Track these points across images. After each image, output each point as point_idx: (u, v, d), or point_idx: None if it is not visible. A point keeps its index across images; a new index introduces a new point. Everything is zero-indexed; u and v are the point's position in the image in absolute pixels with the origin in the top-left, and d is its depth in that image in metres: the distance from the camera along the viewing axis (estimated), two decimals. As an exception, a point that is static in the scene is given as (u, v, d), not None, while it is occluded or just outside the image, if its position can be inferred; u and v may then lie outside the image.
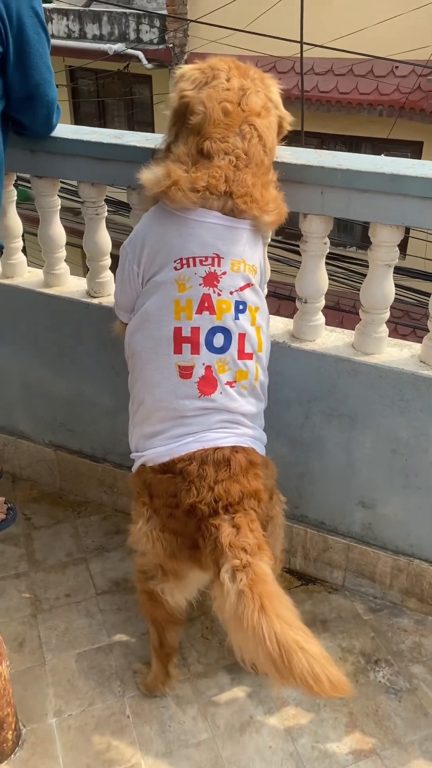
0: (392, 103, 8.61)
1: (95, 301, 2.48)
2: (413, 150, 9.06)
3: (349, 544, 2.40)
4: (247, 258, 1.74)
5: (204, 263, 1.71)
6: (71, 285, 2.59)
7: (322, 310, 2.21)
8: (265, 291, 2.18)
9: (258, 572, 1.61)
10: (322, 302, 2.18)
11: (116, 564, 2.58)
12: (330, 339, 2.21)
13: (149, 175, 1.72)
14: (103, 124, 11.47)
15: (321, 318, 2.20)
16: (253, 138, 1.69)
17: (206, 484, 1.68)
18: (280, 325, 2.29)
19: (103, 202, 2.38)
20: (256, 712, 2.07)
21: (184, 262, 1.71)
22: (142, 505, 1.81)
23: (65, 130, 2.23)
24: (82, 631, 2.32)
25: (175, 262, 1.72)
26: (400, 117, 8.62)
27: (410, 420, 2.11)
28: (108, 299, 2.45)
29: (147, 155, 2.00)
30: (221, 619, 1.65)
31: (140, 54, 9.63)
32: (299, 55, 6.47)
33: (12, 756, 1.94)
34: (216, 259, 1.71)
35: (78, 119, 11.79)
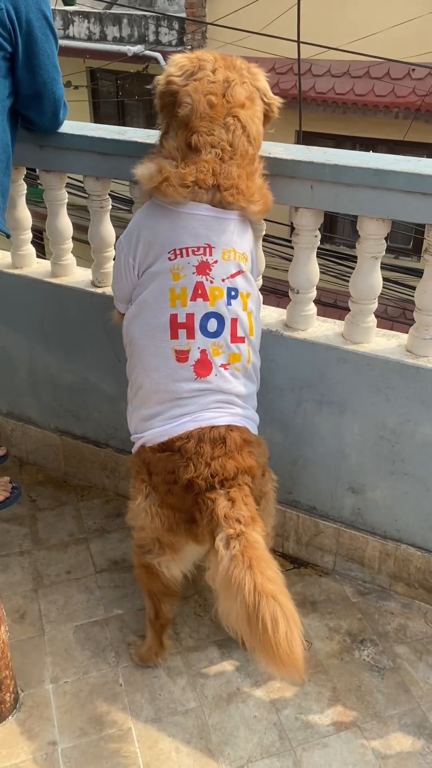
0: (408, 105, 8.65)
1: (99, 290, 2.58)
2: (430, 152, 9.08)
3: (339, 529, 2.48)
4: (237, 246, 1.84)
5: (196, 253, 1.81)
6: (77, 275, 2.70)
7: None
8: (260, 281, 2.28)
9: (250, 540, 1.71)
10: (314, 293, 2.26)
11: (116, 544, 2.68)
12: (321, 329, 2.29)
13: (143, 170, 1.83)
14: (123, 124, 11.62)
15: (312, 308, 2.28)
16: (237, 129, 1.78)
17: (203, 460, 1.79)
18: (274, 314, 2.38)
19: (108, 196, 2.49)
20: (243, 684, 2.16)
21: (178, 252, 1.81)
22: (141, 482, 1.91)
23: (72, 126, 2.34)
24: (80, 606, 2.43)
25: (168, 253, 1.82)
26: (416, 119, 8.66)
27: (396, 407, 2.19)
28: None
29: (148, 150, 2.11)
30: (213, 588, 1.75)
31: (159, 55, 9.75)
32: (303, 56, 6.54)
33: (9, 717, 2.05)
34: (207, 249, 1.81)
35: (98, 119, 11.96)
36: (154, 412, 1.86)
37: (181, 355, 1.81)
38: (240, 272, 1.85)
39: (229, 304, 1.82)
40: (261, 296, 2.32)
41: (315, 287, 2.26)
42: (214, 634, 2.31)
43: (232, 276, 1.84)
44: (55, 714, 2.07)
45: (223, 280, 1.82)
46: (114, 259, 2.12)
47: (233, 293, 1.83)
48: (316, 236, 2.16)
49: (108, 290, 2.58)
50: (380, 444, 2.28)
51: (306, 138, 9.10)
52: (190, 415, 1.81)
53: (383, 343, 2.21)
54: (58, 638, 2.31)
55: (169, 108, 1.84)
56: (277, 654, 1.56)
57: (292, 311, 2.28)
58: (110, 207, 2.52)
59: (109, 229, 2.53)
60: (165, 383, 1.83)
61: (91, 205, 2.48)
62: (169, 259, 1.81)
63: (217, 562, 1.68)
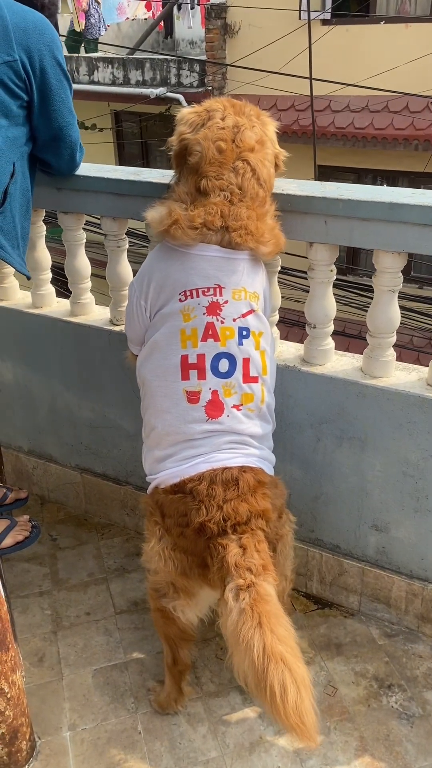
0: (428, 137, 8.69)
1: (117, 328, 2.59)
2: (451, 183, 9.10)
3: (363, 568, 2.41)
4: (248, 286, 1.83)
5: (206, 294, 1.80)
6: (96, 314, 2.72)
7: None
8: (276, 317, 2.27)
9: (261, 592, 1.65)
10: (331, 327, 2.24)
11: (136, 585, 2.64)
12: (339, 363, 2.26)
13: (154, 214, 1.85)
14: (146, 164, 11.87)
15: (330, 343, 2.26)
16: (246, 173, 1.79)
17: (215, 503, 1.75)
18: (292, 350, 2.36)
19: (125, 236, 2.51)
20: (266, 732, 2.09)
21: (188, 293, 1.81)
22: (154, 524, 1.87)
23: (88, 168, 2.38)
24: (99, 648, 2.38)
25: (179, 294, 1.82)
26: (436, 151, 8.69)
27: (419, 442, 2.14)
28: (129, 327, 2.57)
29: (163, 190, 2.13)
30: (224, 636, 1.70)
31: (180, 97, 9.98)
32: (322, 92, 6.63)
33: (26, 766, 2.00)
34: (218, 290, 1.80)
35: (122, 160, 12.24)
36: (166, 454, 1.84)
37: (193, 396, 1.79)
38: (251, 311, 1.84)
39: (240, 343, 1.81)
40: (278, 333, 2.31)
41: (332, 321, 2.23)
42: (235, 678, 2.24)
43: (243, 315, 1.82)
44: (73, 763, 2.02)
45: (234, 320, 1.81)
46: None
47: (245, 333, 1.82)
48: (331, 270, 2.14)
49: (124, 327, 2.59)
50: (403, 480, 2.22)
51: (327, 172, 9.19)
52: (202, 456, 1.78)
53: (403, 377, 2.17)
54: (76, 683, 2.27)
55: (182, 158, 1.87)
56: (287, 723, 1.49)
57: (310, 346, 2.26)
58: (127, 246, 2.54)
59: (126, 268, 2.55)
60: (177, 425, 1.81)
61: (108, 245, 2.50)
62: (180, 300, 1.81)
63: (226, 613, 1.63)
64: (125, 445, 2.78)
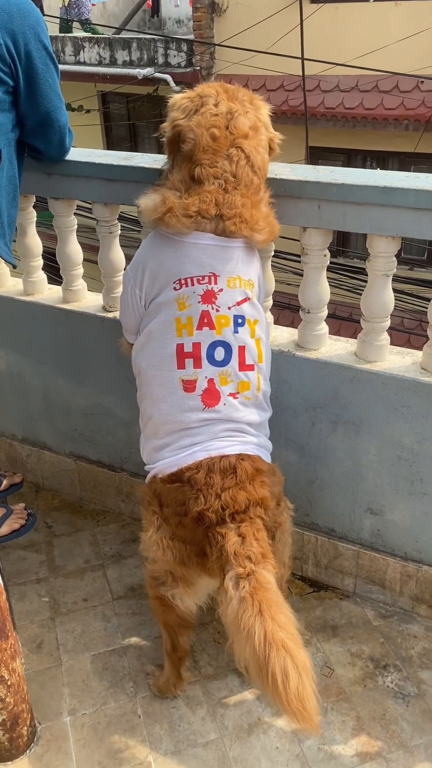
0: (418, 117, 8.65)
1: (110, 315, 2.58)
2: (442, 163, 9.07)
3: (359, 551, 2.44)
4: (242, 274, 1.82)
5: (201, 282, 1.79)
6: (88, 300, 2.70)
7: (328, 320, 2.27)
8: (270, 302, 2.26)
9: (260, 580, 1.66)
10: (325, 312, 2.24)
11: (132, 570, 2.66)
12: (334, 348, 2.26)
13: (147, 202, 1.83)
14: (134, 147, 11.75)
15: (324, 327, 2.26)
16: (240, 160, 1.78)
17: (213, 491, 1.75)
18: (286, 335, 2.36)
19: (116, 221, 2.49)
20: (264, 714, 2.11)
21: (183, 282, 1.80)
22: (152, 513, 1.87)
23: (78, 153, 2.35)
24: (97, 634, 2.40)
25: (174, 283, 1.81)
26: (426, 130, 8.64)
27: (413, 426, 2.15)
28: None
29: (155, 175, 2.11)
30: (225, 624, 1.71)
31: (168, 77, 9.87)
32: (311, 72, 6.57)
33: (27, 752, 2.02)
34: (212, 278, 1.79)
35: (110, 142, 12.11)
36: (164, 443, 1.84)
37: (189, 385, 1.79)
38: (246, 299, 1.83)
39: (236, 331, 1.80)
40: (272, 318, 2.30)
41: (326, 306, 2.23)
42: (233, 661, 2.25)
43: (239, 303, 1.82)
44: (73, 748, 2.04)
45: (229, 308, 1.80)
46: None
47: (240, 321, 1.81)
48: (325, 255, 2.13)
49: (118, 315, 2.57)
50: (398, 464, 2.24)
51: (317, 153, 9.13)
52: (200, 445, 1.78)
53: (397, 361, 2.17)
54: (75, 668, 2.28)
55: (175, 145, 1.85)
56: (289, 709, 1.50)
57: (304, 331, 2.25)
58: (119, 232, 2.52)
59: (118, 254, 2.53)
60: (173, 414, 1.81)
61: (100, 231, 2.48)
62: (175, 288, 1.80)
63: (227, 602, 1.64)
64: (120, 432, 2.78)
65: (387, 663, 2.27)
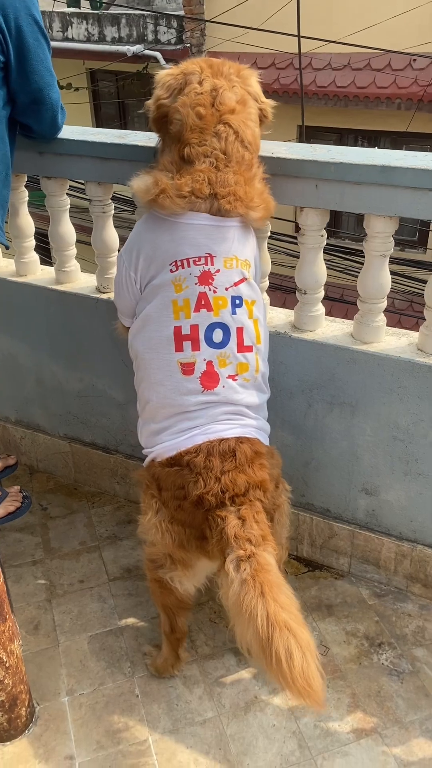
0: (410, 95, 8.57)
1: (104, 296, 2.56)
2: (433, 143, 9.01)
3: (354, 531, 2.45)
4: (239, 254, 1.81)
5: (198, 263, 1.78)
6: (81, 281, 2.68)
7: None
8: (266, 283, 2.25)
9: (261, 562, 1.66)
10: (321, 293, 2.23)
11: (128, 552, 2.66)
12: (330, 329, 2.26)
13: (140, 183, 1.80)
14: (124, 125, 11.60)
15: (321, 308, 2.25)
16: (229, 136, 1.75)
17: (213, 475, 1.74)
18: (282, 316, 2.35)
19: (110, 201, 2.46)
20: (261, 692, 2.13)
21: (179, 264, 1.78)
22: (151, 497, 1.87)
23: (71, 131, 2.32)
24: (94, 615, 2.41)
25: (170, 265, 1.79)
26: (419, 110, 8.57)
27: (409, 407, 2.15)
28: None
29: (149, 154, 2.08)
30: (225, 607, 1.72)
31: (158, 54, 9.72)
32: (302, 49, 6.48)
33: (26, 732, 2.03)
34: (209, 258, 1.78)
35: (99, 121, 11.94)
36: (162, 427, 1.83)
37: (187, 368, 1.78)
38: (243, 280, 1.82)
39: (233, 313, 1.79)
40: (267, 299, 2.29)
41: (323, 287, 2.22)
42: (230, 640, 2.28)
43: (236, 284, 1.80)
44: (72, 727, 2.05)
45: (226, 289, 1.79)
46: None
47: (237, 302, 1.80)
48: (322, 236, 2.12)
49: (113, 296, 2.55)
50: (393, 444, 2.24)
51: (308, 132, 9.03)
52: (199, 428, 1.78)
53: (393, 342, 2.17)
54: (72, 649, 2.29)
55: (163, 126, 1.83)
56: (294, 688, 1.51)
57: (300, 312, 2.24)
58: (113, 212, 2.49)
59: (112, 234, 2.50)
60: (171, 397, 1.80)
61: (93, 211, 2.45)
62: (171, 271, 1.78)
63: (227, 584, 1.64)
64: (114, 414, 2.77)
65: (382, 641, 2.29)
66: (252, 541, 1.69)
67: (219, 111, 1.76)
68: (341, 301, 6.53)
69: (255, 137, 1.83)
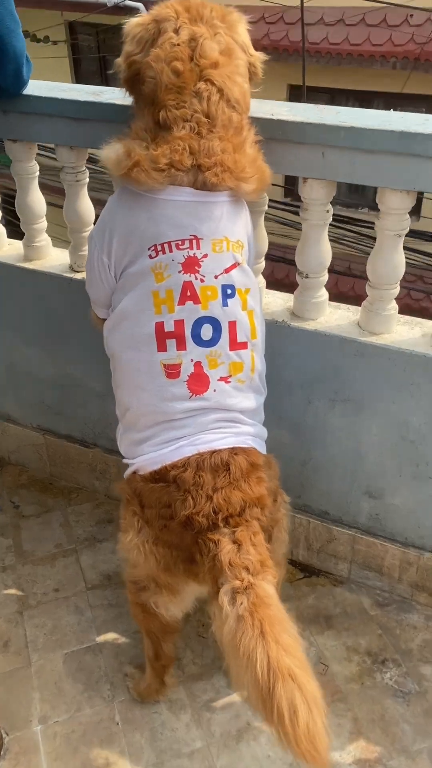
0: (407, 53, 8.18)
1: (79, 276, 2.28)
2: (430, 105, 8.63)
3: (354, 536, 2.25)
4: (230, 234, 1.54)
5: (181, 247, 1.51)
6: (53, 258, 2.40)
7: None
8: (262, 264, 1.99)
9: (260, 594, 1.44)
10: (325, 276, 1.97)
11: (108, 556, 2.44)
12: (334, 317, 2.01)
13: (110, 153, 1.53)
14: (105, 81, 11.06)
15: (324, 294, 2.00)
16: (212, 95, 1.48)
17: (204, 493, 1.51)
18: (280, 301, 2.09)
19: (85, 168, 2.17)
20: (254, 718, 1.94)
21: (159, 248, 1.52)
22: (132, 514, 1.64)
23: (39, 86, 2.02)
24: (70, 629, 2.20)
25: (149, 249, 1.53)
26: (415, 69, 8.19)
27: (422, 405, 1.93)
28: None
29: (130, 114, 1.79)
30: (219, 642, 1.50)
31: (140, 5, 9.16)
32: (291, 2, 6.09)
33: (-7, 767, 1.83)
34: (194, 241, 1.51)
35: (79, 77, 11.38)
36: (144, 436, 1.58)
37: (172, 370, 1.52)
38: (236, 265, 1.56)
39: (225, 304, 1.53)
40: (263, 282, 2.04)
41: (326, 270, 1.96)
42: (219, 658, 2.07)
43: (227, 271, 1.54)
44: (44, 761, 1.85)
45: (215, 277, 1.53)
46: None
47: (229, 291, 1.54)
48: (328, 211, 1.86)
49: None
50: (402, 445, 2.02)
51: (299, 92, 8.64)
52: (186, 438, 1.53)
53: (405, 333, 1.93)
54: (46, 669, 2.08)
55: (136, 87, 1.55)
56: (298, 750, 1.30)
57: (301, 298, 1.99)
58: (87, 180, 2.20)
59: (87, 206, 2.22)
60: (154, 403, 1.55)
61: (65, 179, 2.16)
62: (150, 256, 1.52)
63: (221, 619, 1.41)
64: (92, 405, 2.52)
65: (385, 657, 2.10)
66: (249, 569, 1.46)
67: (199, 65, 1.48)
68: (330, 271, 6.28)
69: (244, 95, 1.55)
